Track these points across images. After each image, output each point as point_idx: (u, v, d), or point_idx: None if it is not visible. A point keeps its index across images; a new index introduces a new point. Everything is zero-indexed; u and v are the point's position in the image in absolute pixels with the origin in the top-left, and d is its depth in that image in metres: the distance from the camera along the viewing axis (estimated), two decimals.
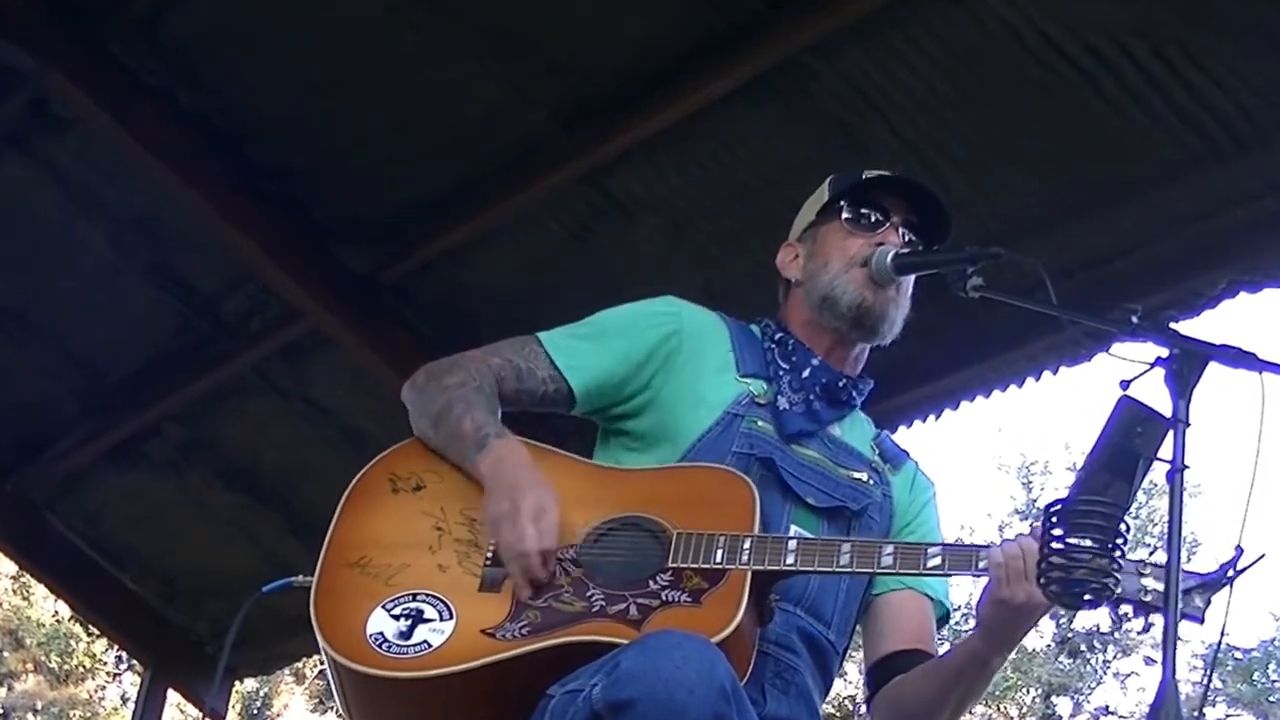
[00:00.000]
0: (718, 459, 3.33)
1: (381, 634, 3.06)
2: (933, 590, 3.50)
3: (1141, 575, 2.90)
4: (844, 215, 3.58)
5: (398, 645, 3.04)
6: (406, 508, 3.30)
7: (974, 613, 3.20)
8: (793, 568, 3.09)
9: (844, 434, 3.55)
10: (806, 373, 3.50)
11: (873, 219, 3.56)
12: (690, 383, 3.45)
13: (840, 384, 3.52)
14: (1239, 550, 2.88)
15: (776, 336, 3.57)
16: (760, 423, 3.42)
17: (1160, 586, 2.89)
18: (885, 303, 3.50)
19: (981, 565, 3.06)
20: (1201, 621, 2.88)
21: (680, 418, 3.41)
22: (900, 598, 3.48)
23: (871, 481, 3.50)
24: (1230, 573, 2.90)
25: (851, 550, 3.11)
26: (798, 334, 3.57)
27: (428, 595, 3.12)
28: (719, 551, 3.08)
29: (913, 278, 3.54)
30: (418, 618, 3.08)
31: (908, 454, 3.65)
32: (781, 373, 3.50)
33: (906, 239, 3.54)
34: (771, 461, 3.36)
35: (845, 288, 3.49)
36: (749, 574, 3.05)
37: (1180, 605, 2.75)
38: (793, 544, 3.11)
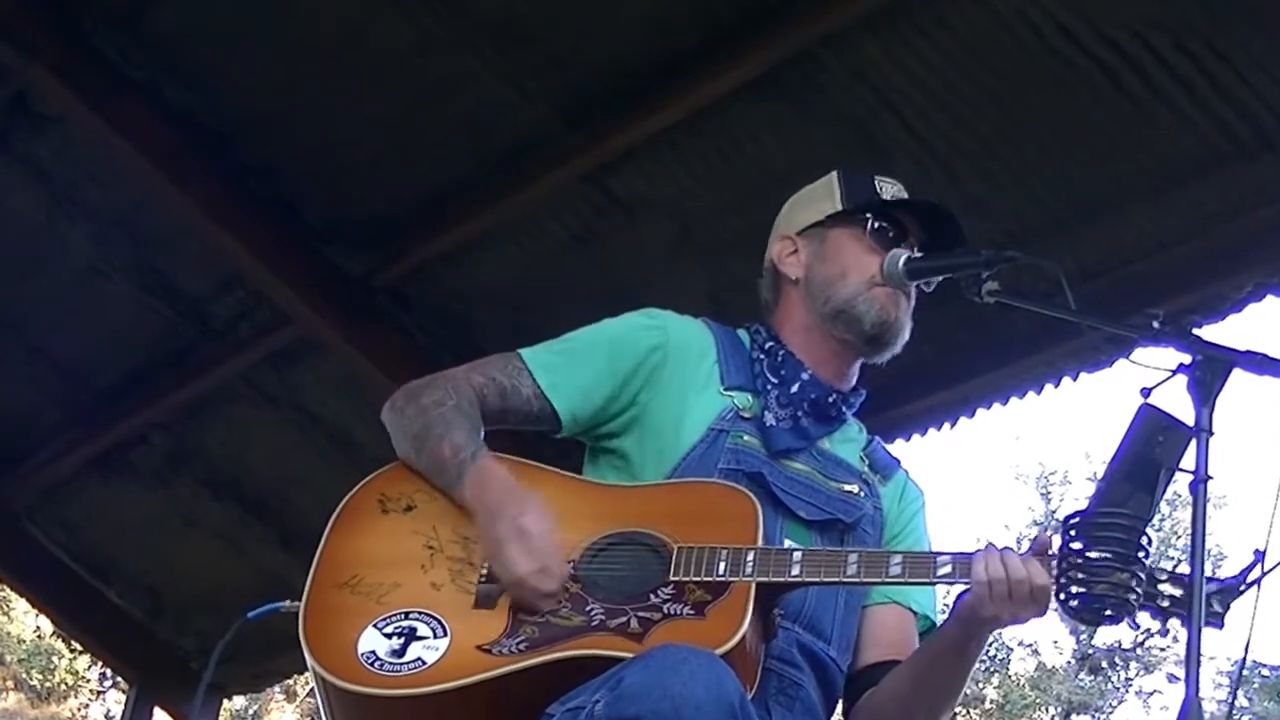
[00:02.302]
0: (704, 476, 3.35)
1: (373, 652, 3.06)
2: (917, 604, 3.52)
3: (1158, 581, 2.90)
4: (870, 230, 3.57)
5: (391, 663, 3.04)
6: (397, 528, 3.31)
7: (951, 608, 3.21)
8: (798, 579, 3.10)
9: (833, 446, 3.56)
10: (795, 388, 3.50)
11: (891, 236, 3.56)
12: (675, 399, 3.46)
13: (830, 399, 3.53)
14: (1258, 555, 2.89)
15: (766, 346, 3.57)
16: (746, 437, 3.43)
17: (1178, 592, 2.90)
18: (903, 321, 3.53)
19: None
20: (1221, 627, 2.88)
21: (664, 436, 3.43)
22: (882, 611, 3.49)
23: (862, 494, 3.51)
24: (1249, 577, 2.90)
25: (859, 560, 3.12)
26: (791, 340, 3.57)
27: (421, 613, 3.12)
28: (722, 564, 3.09)
29: (921, 280, 3.54)
30: (411, 635, 3.08)
31: (899, 462, 3.67)
32: (769, 386, 3.51)
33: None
34: (761, 476, 3.37)
35: (870, 305, 3.50)
36: (753, 585, 3.06)
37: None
38: (798, 555, 3.12)
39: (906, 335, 3.56)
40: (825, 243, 3.61)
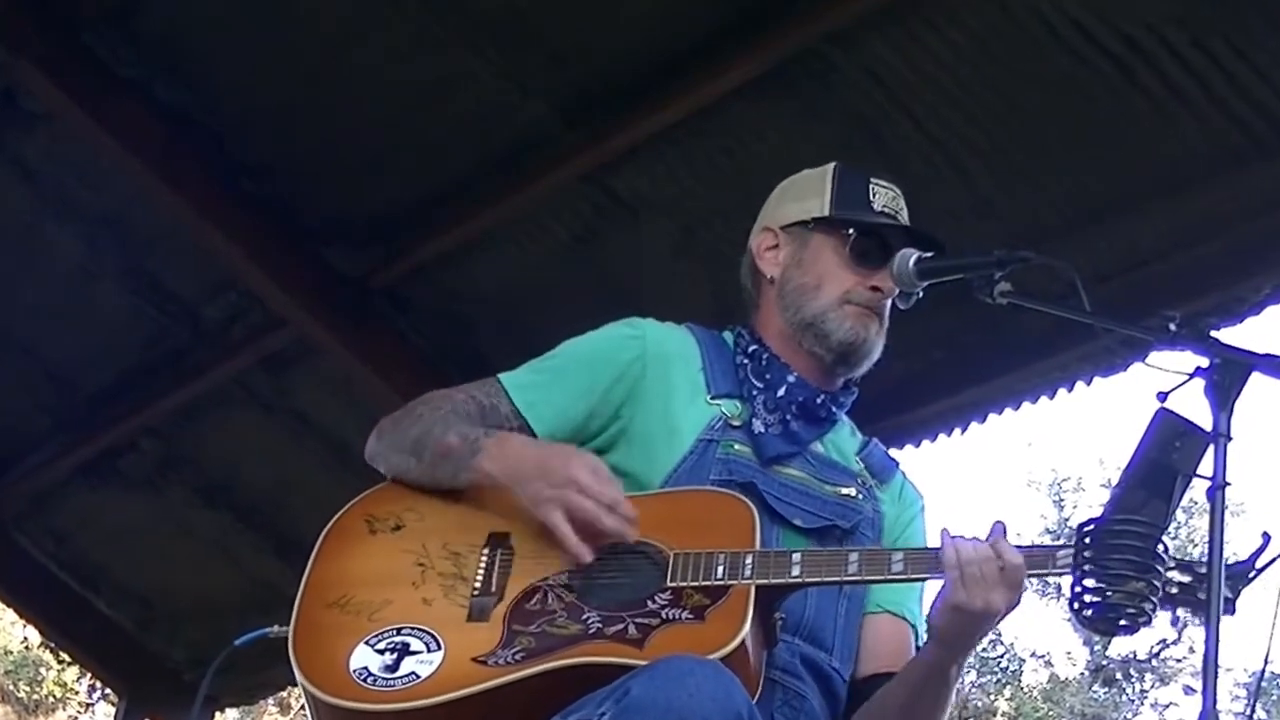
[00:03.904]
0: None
1: (366, 669, 3.06)
2: (909, 613, 3.50)
3: (1166, 568, 2.90)
4: (850, 246, 3.54)
5: (384, 679, 3.04)
6: (386, 547, 3.32)
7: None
8: (799, 579, 3.10)
9: (827, 449, 3.55)
10: (782, 391, 3.49)
11: (874, 253, 3.54)
12: (660, 411, 3.46)
13: (819, 400, 3.52)
14: (1266, 537, 2.89)
15: (750, 350, 3.56)
16: (737, 446, 3.43)
17: (1186, 578, 2.92)
18: (876, 338, 3.52)
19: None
20: (1232, 613, 2.88)
21: (652, 449, 3.43)
22: (878, 621, 3.48)
23: (860, 496, 3.50)
24: (1259, 561, 2.90)
25: (859, 559, 3.13)
26: (772, 343, 3.56)
27: (413, 628, 3.13)
28: (720, 568, 3.10)
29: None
30: (404, 650, 3.08)
31: (896, 464, 3.66)
32: (755, 392, 3.50)
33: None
34: (753, 486, 3.36)
35: (840, 323, 3.49)
36: (753, 588, 3.06)
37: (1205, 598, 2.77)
38: (797, 556, 3.12)
39: (877, 354, 3.55)
40: (806, 247, 3.60)
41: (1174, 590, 2.91)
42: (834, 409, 3.56)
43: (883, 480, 3.59)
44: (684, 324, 3.65)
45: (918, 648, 3.48)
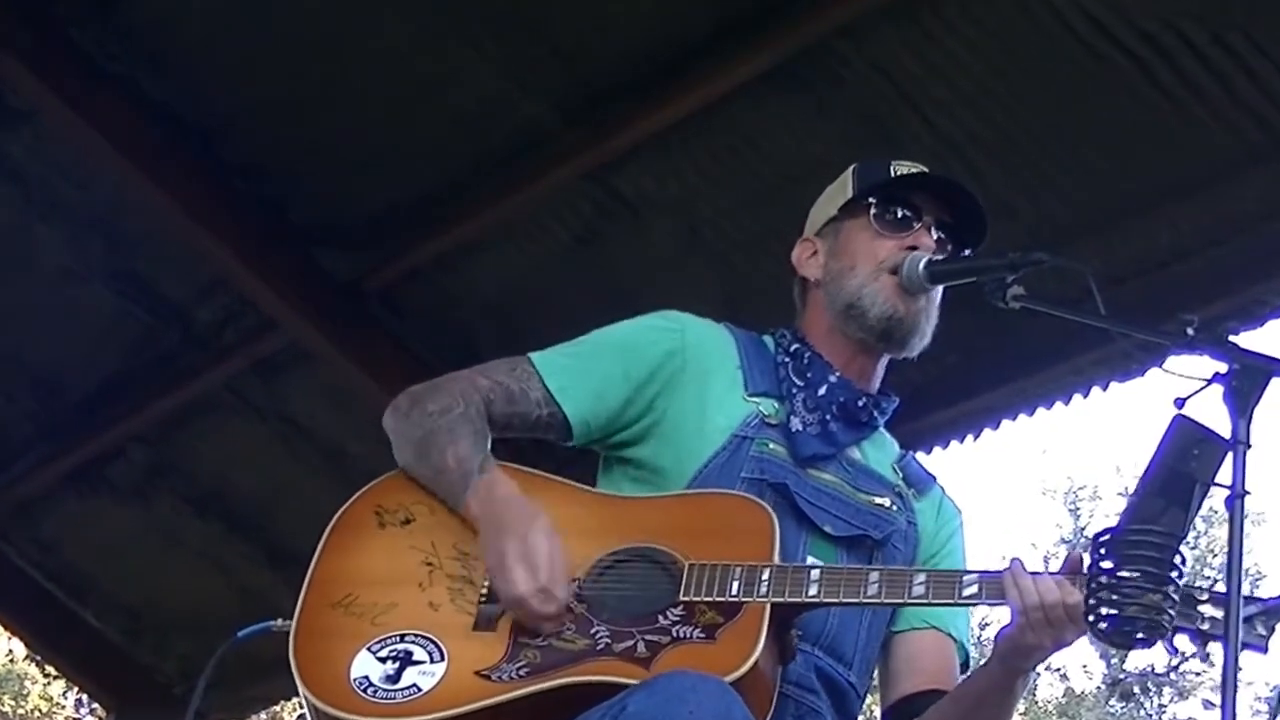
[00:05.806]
0: (726, 486, 3.33)
1: (367, 678, 3.06)
2: (956, 630, 3.49)
3: (1198, 602, 2.89)
4: (873, 213, 3.56)
5: (384, 690, 3.04)
6: (394, 543, 3.30)
7: (993, 642, 3.19)
8: (816, 599, 3.08)
9: (864, 456, 3.54)
10: (823, 390, 3.48)
11: (902, 216, 3.55)
12: (695, 404, 3.44)
13: (860, 403, 3.50)
14: None
15: (792, 349, 3.55)
16: (771, 445, 3.41)
17: (1219, 614, 2.88)
18: (916, 314, 3.49)
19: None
20: (1265, 651, 2.87)
21: (685, 443, 3.41)
22: (921, 636, 3.47)
23: (895, 508, 3.49)
24: None
25: (880, 579, 3.10)
26: (817, 343, 3.55)
27: (417, 635, 3.12)
28: (735, 583, 3.07)
29: (942, 285, 3.53)
30: (406, 660, 3.08)
31: (934, 478, 3.64)
32: (795, 390, 3.49)
33: (938, 238, 3.53)
34: (785, 487, 3.35)
35: (874, 297, 3.47)
36: (768, 607, 3.04)
37: (1240, 635, 2.75)
38: (815, 574, 3.10)
39: (925, 329, 3.52)
40: (839, 238, 3.60)
41: (1205, 626, 2.89)
42: (875, 413, 3.54)
43: (921, 492, 3.58)
44: (721, 322, 3.64)
45: (962, 665, 3.49)
